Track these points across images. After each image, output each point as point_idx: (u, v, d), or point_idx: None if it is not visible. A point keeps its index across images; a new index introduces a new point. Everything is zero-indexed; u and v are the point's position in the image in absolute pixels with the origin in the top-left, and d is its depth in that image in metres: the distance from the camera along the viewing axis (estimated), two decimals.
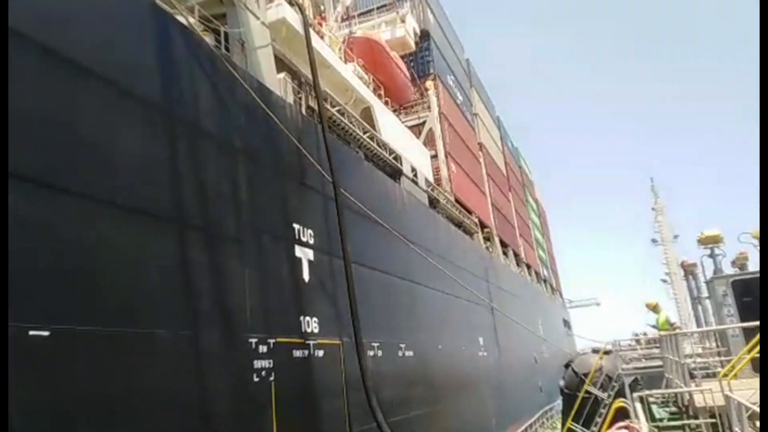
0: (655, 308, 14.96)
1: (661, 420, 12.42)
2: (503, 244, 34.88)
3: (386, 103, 20.17)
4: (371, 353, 12.80)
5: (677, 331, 12.01)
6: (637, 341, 32.93)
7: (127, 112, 7.51)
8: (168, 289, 7.58)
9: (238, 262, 9.17)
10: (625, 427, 7.13)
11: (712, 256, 14.89)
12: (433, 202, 21.77)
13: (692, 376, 10.81)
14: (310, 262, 11.30)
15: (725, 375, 8.79)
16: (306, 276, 11.11)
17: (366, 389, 11.24)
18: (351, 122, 15.32)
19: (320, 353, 10.90)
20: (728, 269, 14.77)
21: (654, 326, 15.36)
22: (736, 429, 6.90)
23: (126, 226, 7.08)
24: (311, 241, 11.51)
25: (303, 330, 10.52)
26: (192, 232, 8.28)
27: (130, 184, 7.25)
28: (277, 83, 12.07)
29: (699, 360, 11.49)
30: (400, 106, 24.41)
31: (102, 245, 6.70)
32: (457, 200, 25.12)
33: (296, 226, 11.13)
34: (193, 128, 8.77)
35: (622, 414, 10.83)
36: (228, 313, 8.67)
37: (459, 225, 24.92)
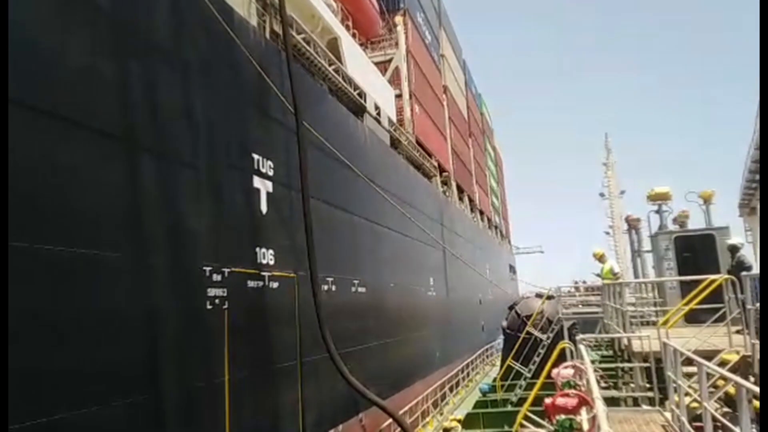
0: (601, 258, 15.41)
1: (593, 362, 13.27)
2: (460, 190, 35.32)
3: (353, 35, 19.41)
4: (325, 287, 12.89)
5: (620, 280, 12.59)
6: (577, 289, 34.70)
7: (72, 12, 6.85)
8: (116, 211, 7.22)
9: (193, 189, 8.84)
10: (572, 366, 7.55)
11: (659, 212, 15.53)
12: (395, 143, 21.58)
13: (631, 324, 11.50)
14: (268, 194, 11.04)
15: (664, 323, 9.40)
16: (264, 208, 10.88)
17: (319, 321, 11.38)
18: (317, 52, 14.69)
19: (275, 285, 10.88)
20: (670, 226, 15.50)
21: (598, 275, 15.88)
22: (669, 372, 7.42)
23: (71, 141, 6.61)
24: (270, 173, 11.21)
25: (258, 261, 10.41)
26: (143, 152, 7.85)
27: (74, 95, 6.70)
28: (240, 2, 11.32)
29: (634, 309, 12.16)
30: (367, 39, 23.58)
31: (44, 161, 6.25)
32: (418, 142, 25.00)
33: (255, 156, 10.78)
34: (146, 40, 8.15)
35: (561, 355, 11.47)
36: (181, 239, 8.43)
37: (418, 167, 24.92)
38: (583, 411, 5.44)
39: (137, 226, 7.58)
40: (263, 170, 10.96)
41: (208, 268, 8.83)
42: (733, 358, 8.13)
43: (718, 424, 6.11)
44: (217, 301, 8.94)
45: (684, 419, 6.81)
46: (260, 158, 10.89)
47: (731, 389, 8.84)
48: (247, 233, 10.33)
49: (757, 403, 7.10)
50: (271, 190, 11.13)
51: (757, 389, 4.95)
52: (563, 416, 4.93)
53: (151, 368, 7.50)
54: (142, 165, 7.80)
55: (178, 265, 8.24)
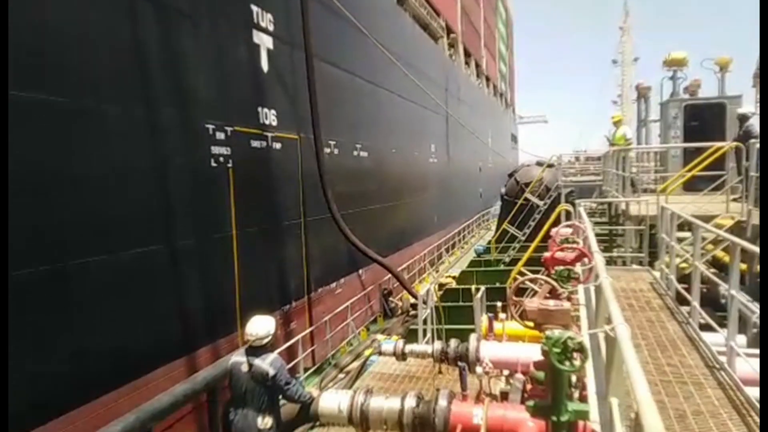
0: (618, 122, 15.07)
1: None
2: (467, 53, 33.81)
3: None
4: (327, 150, 12.87)
5: (631, 146, 12.51)
6: (577, 159, 34.65)
7: None
8: (116, 63, 6.94)
9: (192, 41, 8.43)
10: (570, 226, 7.79)
11: (673, 78, 14.98)
12: None
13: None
14: (269, 50, 10.55)
15: (663, 189, 9.54)
16: (264, 65, 10.47)
17: (322, 182, 11.52)
18: None
19: (278, 146, 10.84)
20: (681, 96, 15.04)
21: (609, 140, 15.71)
22: (663, 234, 7.67)
23: None
24: (271, 28, 10.61)
25: (261, 121, 10.27)
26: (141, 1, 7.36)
27: None
28: None
29: (636, 173, 12.26)
30: None
31: (43, 19, 5.87)
32: None
33: (254, 8, 10.12)
34: None
35: (557, 219, 11.81)
36: (184, 94, 8.22)
37: (425, 27, 23.58)
38: (578, 265, 5.72)
39: (138, 79, 7.33)
40: (263, 24, 10.36)
41: (210, 126, 8.72)
42: (728, 222, 8.36)
43: (704, 285, 6.46)
44: (221, 159, 8.96)
45: (672, 277, 7.18)
46: (259, 10, 10.23)
47: (719, 253, 9.24)
48: (248, 92, 10.05)
49: (744, 266, 7.43)
50: (271, 46, 10.62)
51: (752, 247, 5.13)
52: (561, 267, 5.20)
53: (162, 221, 7.72)
54: (138, 12, 7.34)
55: (181, 121, 8.12)
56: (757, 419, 4.08)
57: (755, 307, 5.52)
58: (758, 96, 22.44)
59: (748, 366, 4.81)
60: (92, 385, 6.38)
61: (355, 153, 15.25)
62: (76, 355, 6.18)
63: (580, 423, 3.79)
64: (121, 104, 6.97)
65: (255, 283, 9.79)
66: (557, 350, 2.27)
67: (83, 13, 6.46)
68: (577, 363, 2.28)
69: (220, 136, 8.94)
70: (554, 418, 2.34)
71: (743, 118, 10.85)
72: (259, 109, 10.24)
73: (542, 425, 4.06)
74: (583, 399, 3.14)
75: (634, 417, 1.64)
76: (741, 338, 5.90)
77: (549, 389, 2.46)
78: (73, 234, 6.22)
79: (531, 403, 2.99)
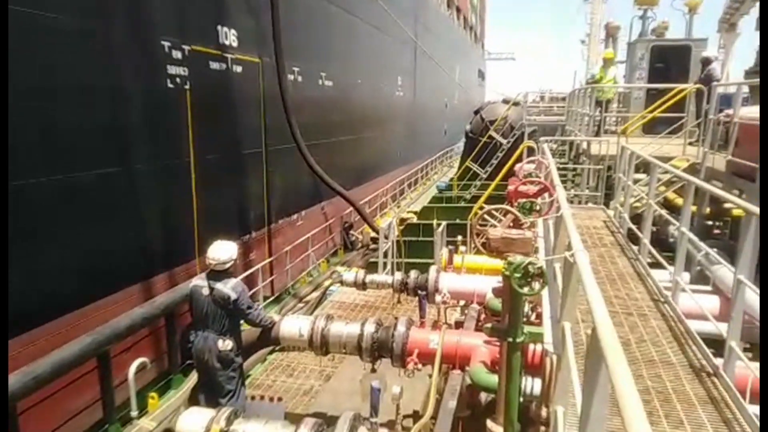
0: (609, 60, 13.36)
1: None
2: None
3: None
4: (291, 77, 12.40)
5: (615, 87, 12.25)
6: (542, 98, 34.70)
7: None
8: None
9: None
10: (533, 162, 7.86)
11: (643, 17, 14.88)
12: None
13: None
14: None
15: (624, 130, 9.68)
16: None
17: (285, 109, 11.17)
18: None
19: (239, 69, 10.34)
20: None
21: (592, 80, 14.35)
22: (620, 174, 7.84)
23: None
24: None
25: (220, 41, 9.72)
26: None
27: None
28: None
29: (601, 116, 12.33)
30: None
31: None
32: None
33: None
34: None
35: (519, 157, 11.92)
36: (135, 6, 7.63)
37: None
38: (540, 199, 5.81)
39: None
40: None
41: (166, 44, 8.20)
42: (683, 164, 8.59)
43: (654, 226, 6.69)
44: (178, 80, 8.50)
45: (626, 215, 7.41)
46: None
47: (671, 195, 9.56)
48: (207, 7, 9.44)
49: (694, 207, 7.69)
50: None
51: (704, 185, 5.29)
52: (524, 200, 5.27)
53: (117, 143, 7.36)
54: None
55: (134, 35, 7.58)
56: (695, 348, 4.34)
57: (702, 246, 5.76)
58: (721, 41, 22.77)
59: (690, 300, 5.07)
60: (47, 308, 6.22)
61: (320, 82, 14.77)
62: (31, 277, 5.98)
63: (531, 346, 3.97)
64: (68, 13, 6.42)
65: (214, 212, 9.59)
66: (518, 275, 2.29)
67: None
68: (536, 287, 2.32)
69: (177, 55, 8.44)
70: (510, 340, 2.40)
71: (706, 62, 10.94)
72: (219, 27, 9.67)
73: (494, 350, 4.23)
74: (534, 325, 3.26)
75: (590, 333, 1.68)
76: (685, 275, 6.19)
77: (507, 313, 2.51)
78: (24, 153, 5.86)
79: (489, 325, 3.07)
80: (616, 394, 1.30)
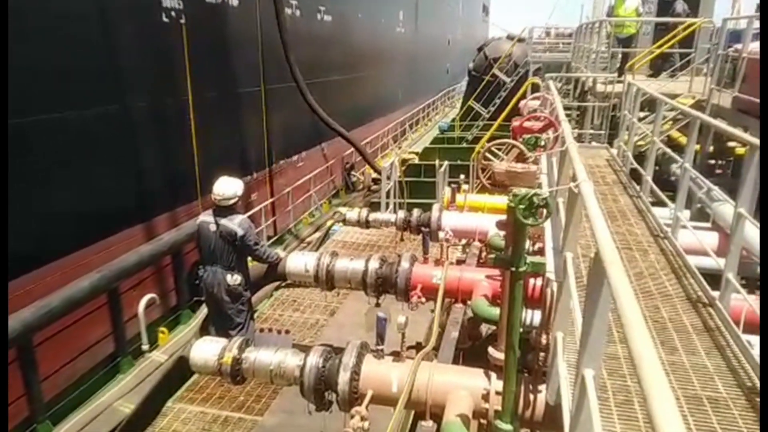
0: None
1: None
2: None
3: None
4: (288, 11, 12.01)
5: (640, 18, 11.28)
6: (548, 34, 33.70)
7: None
8: None
9: None
10: (538, 98, 7.75)
11: None
12: None
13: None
14: None
15: (631, 66, 9.47)
16: None
17: (284, 45, 10.90)
18: None
19: (235, 2, 10.01)
20: None
21: (611, 8, 12.42)
22: (626, 111, 7.74)
23: None
24: None
25: None
26: None
27: None
28: None
29: (606, 51, 11.98)
30: None
31: None
32: None
33: None
34: None
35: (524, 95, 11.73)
36: None
37: None
38: (544, 135, 5.77)
39: None
40: None
41: None
42: (689, 102, 8.47)
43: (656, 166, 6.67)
44: (173, 14, 8.25)
45: (629, 153, 7.37)
46: None
47: (673, 134, 9.48)
48: None
49: (698, 146, 7.64)
50: None
51: (710, 120, 5.25)
52: (529, 135, 5.24)
53: (113, 79, 7.23)
54: None
55: None
56: (692, 281, 4.44)
57: (704, 183, 5.77)
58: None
59: (690, 236, 5.14)
60: (53, 246, 6.31)
61: (318, 16, 14.32)
62: (36, 218, 6.03)
63: (531, 281, 4.07)
64: None
65: (213, 152, 9.54)
66: (523, 206, 2.32)
67: None
68: (540, 219, 2.35)
69: None
70: (513, 269, 2.47)
71: None
72: None
73: (495, 285, 4.33)
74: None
75: (592, 257, 1.72)
76: (686, 212, 6.24)
77: (510, 244, 2.57)
78: (19, 91, 5.76)
79: (493, 255, 3.14)
80: (617, 310, 1.35)
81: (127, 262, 6.54)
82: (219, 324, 5.06)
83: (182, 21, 8.39)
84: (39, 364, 5.72)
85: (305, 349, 3.55)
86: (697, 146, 7.74)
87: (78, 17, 6.54)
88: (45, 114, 6.09)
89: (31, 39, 5.88)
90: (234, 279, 4.88)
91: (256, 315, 6.31)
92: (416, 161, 16.39)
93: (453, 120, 23.10)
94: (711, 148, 8.71)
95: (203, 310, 6.23)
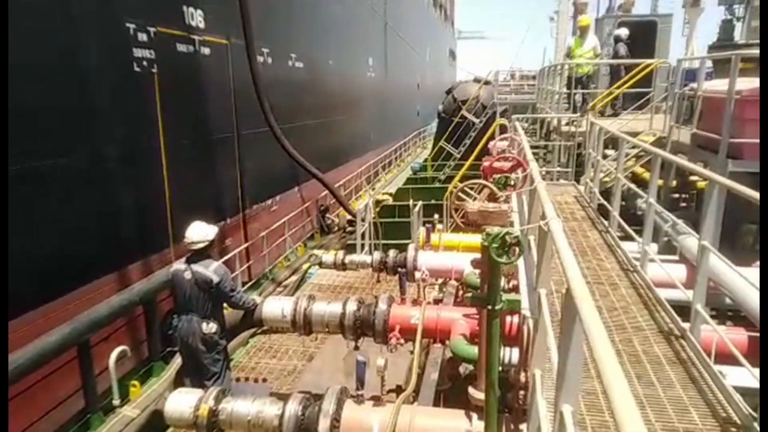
0: (585, 28, 12.28)
1: None
2: None
3: None
4: (261, 59, 12.23)
5: (596, 60, 11.82)
6: (512, 77, 34.90)
7: None
8: None
9: None
10: (506, 139, 7.98)
11: None
12: None
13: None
14: None
15: (593, 106, 9.87)
16: None
17: (257, 91, 11.04)
18: None
19: (206, 51, 10.16)
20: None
21: (569, 49, 13.02)
22: (590, 149, 8.02)
23: None
24: None
25: (186, 22, 9.52)
26: None
27: None
28: None
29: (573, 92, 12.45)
30: None
31: None
32: None
33: None
34: None
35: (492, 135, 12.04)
36: None
37: None
38: (514, 174, 5.93)
39: None
40: None
41: (131, 26, 8.00)
42: (650, 139, 8.83)
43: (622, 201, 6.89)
44: (144, 63, 8.32)
45: (596, 190, 7.61)
46: None
47: (638, 170, 9.83)
48: None
49: (661, 181, 7.93)
50: None
51: (670, 156, 5.48)
52: (499, 175, 5.38)
53: (84, 128, 7.19)
54: None
55: (98, 17, 7.38)
56: (663, 314, 4.54)
57: (669, 217, 5.97)
58: (686, 17, 23.21)
59: (658, 269, 5.28)
60: (19, 301, 6.11)
61: (290, 63, 14.60)
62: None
63: (508, 318, 4.10)
64: None
65: (187, 199, 9.48)
66: (496, 245, 2.38)
67: None
68: (513, 257, 2.41)
69: (143, 37, 8.25)
70: (490, 307, 2.50)
71: (616, 39, 11.56)
72: (185, 8, 9.46)
73: (473, 323, 4.36)
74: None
75: (563, 293, 1.78)
76: (653, 246, 6.42)
77: (486, 283, 2.61)
78: None
79: (470, 294, 3.17)
80: (590, 345, 1.40)
81: (97, 314, 6.36)
82: (194, 375, 4.93)
83: (154, 70, 8.46)
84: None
85: (284, 398, 3.49)
86: (661, 181, 8.04)
87: (48, 66, 6.55)
88: (13, 165, 6.01)
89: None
90: (209, 327, 4.79)
91: (232, 364, 6.17)
92: (390, 202, 16.51)
93: (425, 160, 23.47)
94: (674, 183, 9.04)
95: (177, 361, 6.06)
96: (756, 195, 3.25)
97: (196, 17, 9.76)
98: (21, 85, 6.09)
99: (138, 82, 8.21)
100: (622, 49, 11.68)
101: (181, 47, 9.36)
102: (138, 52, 8.15)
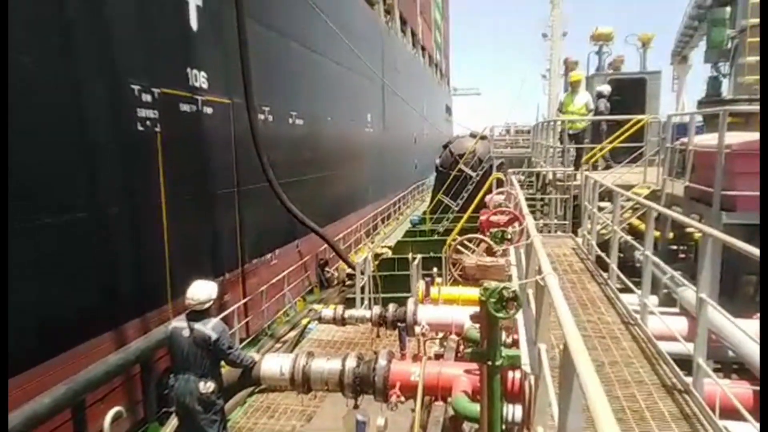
0: (576, 83, 12.38)
1: None
2: (402, 21, 33.64)
3: None
4: (261, 117, 12.55)
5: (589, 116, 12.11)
6: (508, 131, 35.66)
7: None
8: (28, 8, 6.37)
9: None
10: (502, 193, 8.11)
11: (599, 53, 15.66)
12: None
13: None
14: (198, 7, 10.05)
15: (588, 159, 10.07)
16: (194, 24, 9.98)
17: (257, 148, 11.25)
18: None
19: (209, 110, 10.45)
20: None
21: (560, 105, 13.04)
22: (586, 202, 8.13)
23: None
24: None
25: (190, 83, 9.83)
26: None
27: None
28: None
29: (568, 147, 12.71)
30: None
31: None
32: None
33: None
34: None
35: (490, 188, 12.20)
36: (104, 51, 7.71)
37: None
38: (511, 228, 5.99)
39: (55, 28, 6.80)
40: None
41: (136, 87, 8.27)
42: (644, 192, 8.96)
43: (621, 252, 6.93)
44: (148, 123, 8.54)
45: (593, 242, 7.66)
46: None
47: (635, 221, 9.92)
48: (177, 51, 9.58)
49: (657, 233, 8.01)
50: (201, 3, 10.13)
51: (663, 210, 5.55)
52: (496, 229, 5.44)
53: (86, 187, 7.31)
54: None
55: (103, 79, 7.64)
56: (666, 368, 4.50)
57: (667, 270, 5.99)
58: (674, 73, 23.97)
59: (659, 322, 5.26)
60: (14, 361, 6.02)
61: (290, 120, 14.97)
62: None
63: (510, 374, 4.05)
64: (38, 57, 6.46)
65: (186, 255, 9.51)
66: (493, 300, 2.40)
67: None
68: (511, 311, 2.43)
69: (147, 98, 8.50)
70: (490, 363, 2.49)
71: (599, 96, 12.01)
72: (189, 70, 9.80)
73: (475, 380, 4.29)
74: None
75: (561, 349, 1.79)
76: (653, 298, 6.42)
77: (485, 338, 2.61)
78: None
79: (469, 350, 3.16)
80: (588, 405, 1.40)
81: (94, 374, 6.25)
82: None
83: (157, 129, 8.68)
84: None
85: None
86: (658, 233, 8.10)
87: (53, 125, 6.72)
88: (13, 222, 6.06)
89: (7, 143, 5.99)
90: (207, 387, 4.71)
91: (228, 424, 6.01)
92: (390, 255, 16.52)
93: (424, 213, 23.62)
94: (671, 234, 9.10)
95: (173, 422, 5.90)
96: (750, 248, 3.29)
97: (200, 78, 10.09)
98: (25, 143, 6.24)
99: (141, 140, 8.40)
100: (602, 104, 12.17)
101: (185, 107, 9.63)
102: (142, 112, 8.38)
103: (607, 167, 11.13)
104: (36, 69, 6.48)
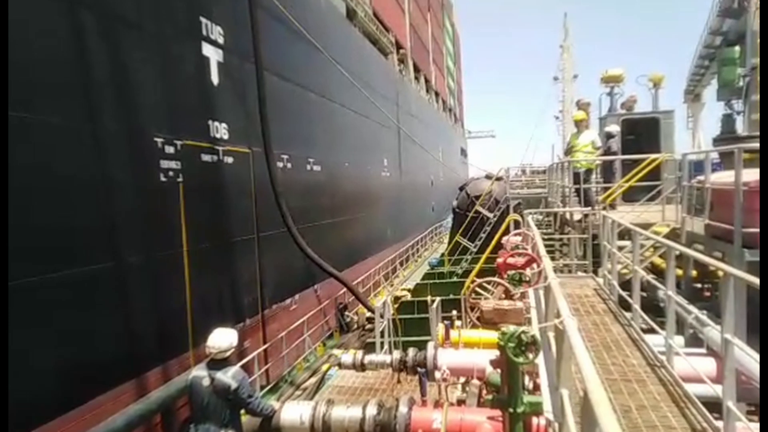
0: (580, 123, 12.62)
1: None
2: (416, 69, 34.50)
3: None
4: (280, 165, 12.84)
5: (596, 156, 12.01)
6: (523, 172, 35.81)
7: None
8: (56, 70, 6.73)
9: (139, 53, 8.29)
10: (519, 234, 8.09)
11: (610, 94, 15.82)
12: (351, 14, 20.46)
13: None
14: (219, 63, 10.49)
15: (605, 198, 10.05)
16: (215, 78, 10.39)
17: (276, 195, 11.47)
18: None
19: (229, 160, 10.73)
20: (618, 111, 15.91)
21: (569, 150, 13.00)
22: (605, 242, 8.07)
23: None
24: (221, 40, 10.56)
25: (212, 135, 10.16)
26: (81, 7, 7.18)
27: None
28: None
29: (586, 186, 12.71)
30: None
31: None
32: (375, 15, 23.79)
33: (204, 20, 10.06)
34: None
35: (507, 228, 12.18)
36: (131, 107, 8.05)
37: (375, 43, 23.97)
38: (528, 270, 5.96)
39: (82, 91, 7.15)
40: (213, 37, 10.30)
41: (159, 140, 8.57)
42: (664, 230, 8.88)
43: (644, 291, 6.83)
44: (170, 173, 8.80)
45: (614, 282, 7.56)
46: (209, 23, 10.18)
47: (657, 260, 9.78)
48: (198, 105, 9.94)
49: (680, 271, 7.89)
50: (221, 59, 10.57)
51: (683, 249, 5.50)
52: (513, 271, 5.41)
53: (109, 238, 7.50)
54: (82, 19, 7.18)
55: (128, 134, 7.95)
56: (695, 411, 4.37)
57: (691, 309, 5.89)
58: (689, 111, 24.03)
59: (685, 364, 5.13)
60: (35, 412, 6.07)
61: (308, 167, 15.26)
62: (16, 379, 5.89)
63: (534, 420, 3.97)
64: (64, 116, 6.77)
65: (207, 302, 9.60)
66: (512, 344, 2.40)
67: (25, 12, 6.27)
68: (531, 356, 2.42)
69: (170, 150, 8.79)
70: (511, 410, 2.47)
71: (608, 136, 12.07)
72: (210, 122, 10.13)
73: (498, 426, 4.21)
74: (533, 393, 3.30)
75: (582, 396, 1.78)
76: (679, 339, 6.27)
77: (506, 383, 2.59)
78: (13, 252, 5.95)
79: (490, 396, 3.12)
80: None
81: (114, 425, 6.25)
82: None
83: (179, 179, 8.93)
84: None
85: None
86: (681, 271, 7.98)
87: (77, 179, 6.97)
88: (38, 276, 6.22)
89: (30, 200, 6.21)
90: None
91: None
92: (409, 298, 16.42)
93: (442, 255, 23.57)
94: (694, 273, 8.94)
95: None
96: None
97: (221, 130, 10.42)
98: (48, 199, 6.48)
99: (164, 191, 8.64)
100: (614, 144, 12.25)
101: (206, 157, 9.92)
102: (165, 164, 8.65)
103: (612, 207, 11.12)
104: (64, 126, 6.78)
